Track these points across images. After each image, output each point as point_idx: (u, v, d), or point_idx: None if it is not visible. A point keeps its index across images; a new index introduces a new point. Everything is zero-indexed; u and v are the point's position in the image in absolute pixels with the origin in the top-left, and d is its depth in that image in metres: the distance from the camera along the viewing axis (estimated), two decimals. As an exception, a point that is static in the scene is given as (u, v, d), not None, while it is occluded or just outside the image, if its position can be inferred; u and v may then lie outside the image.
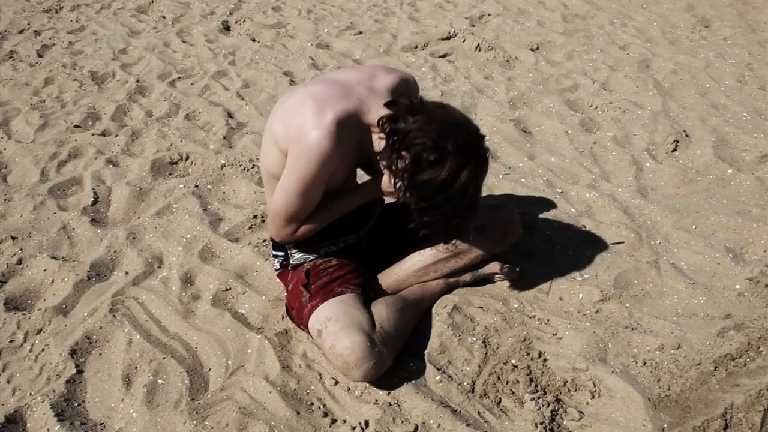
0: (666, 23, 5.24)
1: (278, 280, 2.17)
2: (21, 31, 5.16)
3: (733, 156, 3.09)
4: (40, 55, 4.60)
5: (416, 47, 4.66)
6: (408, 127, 1.65)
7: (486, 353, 1.94)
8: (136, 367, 1.90)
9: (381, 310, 1.88)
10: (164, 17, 5.46)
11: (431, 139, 1.62)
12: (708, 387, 1.79)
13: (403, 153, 1.66)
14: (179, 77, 4.13)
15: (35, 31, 5.15)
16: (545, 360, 1.93)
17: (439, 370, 1.86)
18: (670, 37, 4.89)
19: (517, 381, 1.85)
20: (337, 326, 1.76)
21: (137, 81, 4.05)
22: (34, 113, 3.63)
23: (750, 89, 3.87)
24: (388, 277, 2.10)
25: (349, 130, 1.72)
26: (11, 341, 2.02)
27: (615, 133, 3.34)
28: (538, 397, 1.79)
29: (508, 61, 4.37)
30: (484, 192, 2.80)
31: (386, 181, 1.82)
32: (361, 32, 4.98)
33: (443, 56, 4.54)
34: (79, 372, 1.89)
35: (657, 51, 4.54)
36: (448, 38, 4.75)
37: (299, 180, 1.73)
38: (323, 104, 1.70)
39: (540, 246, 2.43)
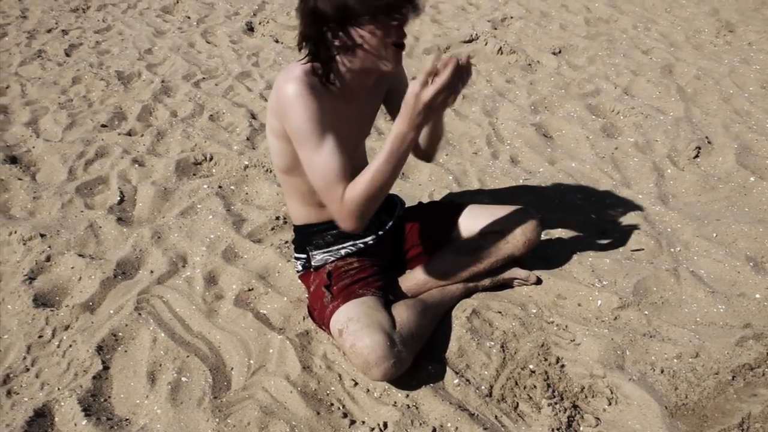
0: (690, 27, 5.21)
1: (300, 281, 2.20)
2: (49, 30, 5.27)
3: (755, 163, 3.08)
4: (67, 55, 4.69)
5: (438, 50, 4.67)
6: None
7: (504, 358, 1.96)
8: (160, 365, 1.95)
9: (401, 312, 1.91)
10: (189, 17, 5.54)
11: None
12: (725, 396, 1.80)
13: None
14: (203, 78, 4.19)
15: (63, 30, 5.25)
16: (563, 366, 1.94)
17: (457, 373, 1.89)
18: (693, 41, 4.87)
19: (535, 386, 1.87)
20: (357, 326, 1.79)
21: (162, 81, 4.11)
22: (62, 112, 3.70)
23: (774, 96, 3.85)
24: (408, 281, 2.13)
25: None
26: (40, 336, 2.07)
27: (636, 138, 3.34)
28: (555, 403, 1.80)
29: (530, 64, 4.38)
30: (504, 196, 2.82)
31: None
32: (383, 34, 5.01)
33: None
34: (106, 368, 1.94)
35: (680, 56, 4.52)
36: (470, 41, 4.77)
37: (308, 137, 1.71)
38: (289, 68, 1.77)
39: (559, 252, 2.45)
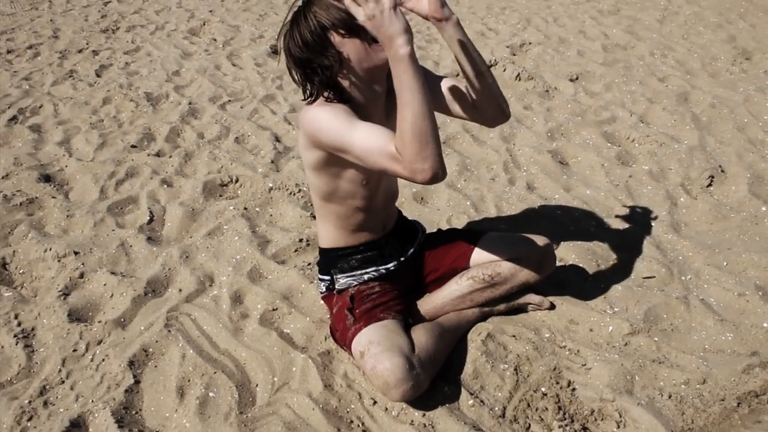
0: (706, 55, 5.28)
1: (322, 302, 2.30)
2: (80, 51, 5.45)
3: (767, 193, 3.14)
4: (98, 75, 4.86)
5: (458, 75, 4.78)
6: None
7: (517, 380, 2.04)
8: (189, 380, 2.04)
9: (420, 335, 2.00)
10: (215, 40, 5.70)
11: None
12: (730, 422, 1.87)
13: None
14: (229, 100, 4.33)
15: (93, 51, 5.43)
16: (574, 389, 2.02)
17: (472, 394, 1.96)
18: (710, 69, 4.94)
19: (546, 408, 1.94)
20: (378, 349, 1.88)
21: (190, 103, 4.25)
22: (93, 132, 3.85)
23: (788, 125, 3.91)
24: (426, 304, 2.22)
25: None
26: (74, 350, 2.17)
27: (651, 166, 3.42)
28: (566, 425, 1.87)
29: (547, 91, 4.48)
30: (520, 222, 2.90)
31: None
32: (404, 59, 5.13)
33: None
34: (137, 382, 2.04)
35: (696, 83, 4.60)
36: (489, 67, 4.86)
37: (343, 131, 1.78)
38: (304, 108, 1.92)
39: (573, 278, 2.53)
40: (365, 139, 1.74)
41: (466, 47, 1.86)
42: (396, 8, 1.60)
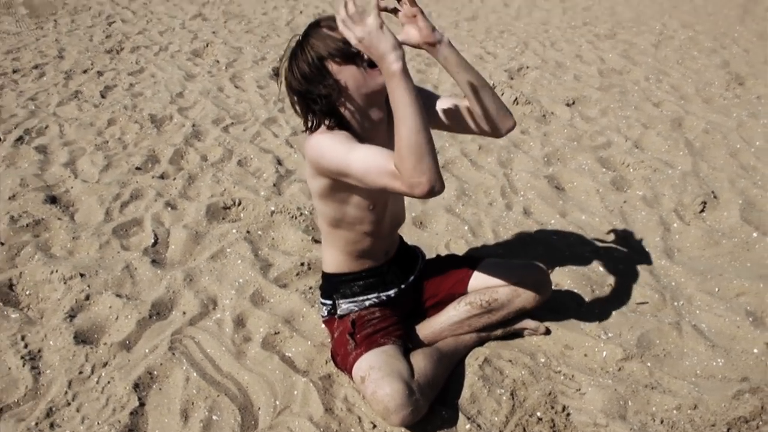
0: (701, 80, 5.38)
1: (324, 326, 2.36)
2: (85, 71, 5.53)
3: (759, 219, 3.21)
4: (103, 96, 4.94)
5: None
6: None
7: (513, 405, 2.09)
8: (193, 403, 2.09)
9: (419, 360, 2.05)
10: (218, 61, 5.79)
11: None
12: (720, 448, 1.92)
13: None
14: (232, 122, 4.40)
15: (98, 71, 5.51)
16: (568, 414, 2.07)
17: (469, 419, 2.02)
18: (704, 94, 5.03)
19: (542, 433, 2.00)
20: (379, 374, 1.94)
21: (193, 125, 4.33)
22: (98, 153, 3.91)
23: (780, 151, 3.99)
24: (425, 329, 2.28)
25: None
26: (80, 372, 2.22)
27: (645, 192, 3.49)
28: (561, 450, 1.93)
29: (544, 116, 4.56)
30: (516, 248, 2.97)
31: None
32: (403, 82, 5.22)
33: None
34: (142, 405, 2.09)
35: (690, 109, 4.68)
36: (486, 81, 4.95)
37: (343, 154, 1.83)
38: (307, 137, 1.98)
39: (568, 303, 2.59)
40: (364, 159, 1.79)
41: (462, 65, 1.96)
42: (383, 27, 1.67)
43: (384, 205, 2.10)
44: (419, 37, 1.93)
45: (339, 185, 1.95)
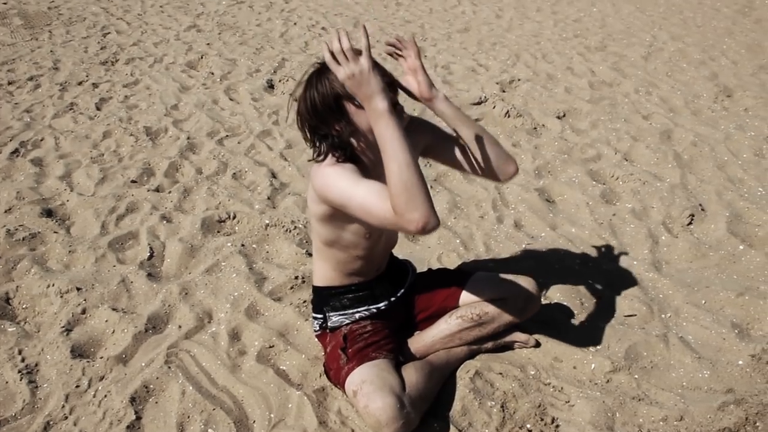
0: (689, 92, 5.45)
1: (317, 340, 2.40)
2: (80, 83, 5.56)
3: (745, 231, 3.27)
4: (98, 108, 4.97)
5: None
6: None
7: (503, 417, 2.13)
8: (188, 416, 2.13)
9: (411, 374, 2.09)
10: (213, 73, 5.83)
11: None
12: (705, 459, 1.97)
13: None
14: (227, 135, 4.44)
15: (93, 83, 5.54)
16: (557, 426, 2.11)
17: (460, 431, 2.06)
18: (692, 107, 5.10)
19: (531, 445, 2.04)
20: (371, 388, 1.98)
21: (188, 138, 4.37)
22: (94, 166, 3.95)
23: (767, 163, 4.06)
24: (416, 342, 2.32)
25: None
26: (77, 386, 2.25)
27: (634, 205, 3.55)
28: (550, 461, 1.97)
29: (535, 128, 4.62)
30: (507, 261, 3.01)
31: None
32: (396, 94, 5.27)
33: (475, 121, 4.79)
34: (138, 418, 2.12)
35: (679, 121, 4.75)
36: (479, 103, 5.02)
37: (348, 188, 1.86)
38: (315, 166, 2.01)
39: (557, 316, 2.63)
40: (364, 197, 1.83)
41: (459, 118, 2.06)
42: (373, 69, 1.73)
43: (380, 233, 2.15)
44: (417, 91, 2.02)
45: (339, 213, 1.98)
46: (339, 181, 1.89)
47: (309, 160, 2.06)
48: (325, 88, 1.88)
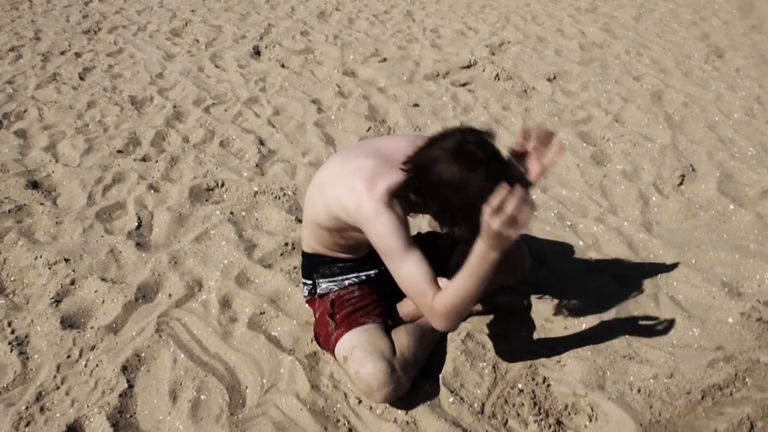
0: (680, 53, 5.41)
1: (307, 305, 2.39)
2: (62, 53, 5.47)
3: (736, 191, 3.27)
4: (81, 78, 4.89)
5: (438, 75, 4.88)
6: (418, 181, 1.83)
7: (495, 378, 2.14)
8: (181, 384, 2.12)
9: (401, 338, 2.09)
10: (198, 41, 5.74)
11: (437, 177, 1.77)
12: (695, 414, 1.98)
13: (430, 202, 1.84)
14: (213, 103, 4.39)
15: (76, 53, 5.45)
16: (549, 385, 2.12)
17: (452, 392, 2.06)
18: (683, 67, 5.07)
19: (523, 404, 2.05)
20: (361, 353, 1.98)
21: (174, 106, 4.31)
22: (79, 137, 3.89)
23: (757, 123, 4.04)
24: (406, 306, 2.31)
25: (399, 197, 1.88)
26: (68, 357, 2.24)
27: (624, 166, 3.53)
28: (541, 420, 1.98)
29: (525, 91, 4.58)
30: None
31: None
32: (385, 59, 5.21)
33: (463, 85, 4.75)
34: (130, 387, 2.11)
35: (670, 82, 4.72)
36: (468, 66, 4.97)
37: (395, 251, 1.84)
38: (373, 179, 1.88)
39: (548, 277, 2.63)
40: (409, 275, 1.82)
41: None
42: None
43: None
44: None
45: (352, 228, 1.95)
46: (390, 235, 1.83)
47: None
48: (466, 180, 1.74)
